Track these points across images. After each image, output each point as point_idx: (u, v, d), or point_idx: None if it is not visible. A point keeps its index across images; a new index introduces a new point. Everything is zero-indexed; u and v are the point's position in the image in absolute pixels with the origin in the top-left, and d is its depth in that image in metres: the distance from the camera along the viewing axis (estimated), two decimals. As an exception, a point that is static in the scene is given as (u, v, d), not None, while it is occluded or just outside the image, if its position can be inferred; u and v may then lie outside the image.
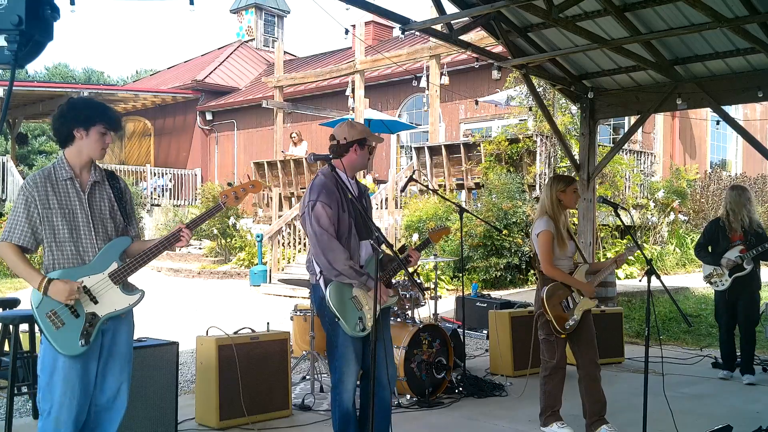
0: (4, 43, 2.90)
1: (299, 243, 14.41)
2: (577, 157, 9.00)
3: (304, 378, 6.34)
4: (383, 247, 3.71)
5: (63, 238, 3.29)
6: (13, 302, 5.42)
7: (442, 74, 14.83)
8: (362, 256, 3.97)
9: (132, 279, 3.44)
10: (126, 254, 3.42)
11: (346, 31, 9.87)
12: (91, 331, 3.27)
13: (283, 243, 14.26)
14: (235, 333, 5.14)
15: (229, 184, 3.74)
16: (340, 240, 3.88)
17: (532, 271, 12.10)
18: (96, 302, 3.30)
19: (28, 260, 3.28)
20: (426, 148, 14.24)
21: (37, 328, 3.37)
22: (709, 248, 6.71)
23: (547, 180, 5.06)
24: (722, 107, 7.84)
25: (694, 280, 11.55)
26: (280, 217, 15.23)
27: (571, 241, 4.94)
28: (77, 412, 3.27)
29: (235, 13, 27.37)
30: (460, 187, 13.85)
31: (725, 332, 6.67)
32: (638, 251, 4.90)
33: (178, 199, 22.20)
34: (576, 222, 9.09)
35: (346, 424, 3.92)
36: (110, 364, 3.41)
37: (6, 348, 4.84)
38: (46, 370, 3.25)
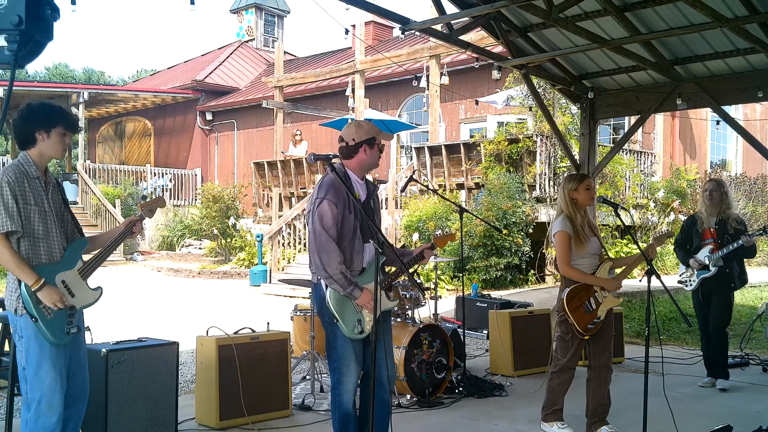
0: (4, 43, 2.91)
1: (299, 243, 14.41)
2: (577, 157, 9.01)
3: (304, 378, 6.34)
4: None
5: (38, 234, 3.47)
6: (13, 302, 5.41)
7: (442, 74, 14.83)
8: (365, 258, 3.95)
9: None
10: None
11: (346, 31, 9.86)
12: (74, 320, 3.54)
13: (283, 243, 14.26)
14: (235, 333, 5.15)
15: (143, 198, 4.07)
16: (344, 240, 3.86)
17: (532, 271, 12.10)
18: (73, 296, 3.55)
19: (21, 256, 3.42)
20: (426, 148, 14.25)
21: (20, 323, 3.45)
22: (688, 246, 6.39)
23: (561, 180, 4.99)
24: (722, 107, 7.84)
25: (694, 280, 11.53)
26: (280, 217, 15.23)
27: (594, 238, 4.82)
28: (63, 396, 3.50)
29: (235, 13, 27.37)
30: (460, 187, 13.85)
31: (703, 335, 6.38)
32: (668, 237, 4.81)
33: (178, 199, 22.19)
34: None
35: (346, 426, 3.91)
36: (80, 355, 3.67)
37: (6, 348, 4.84)
38: (32, 361, 3.43)
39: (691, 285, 6.31)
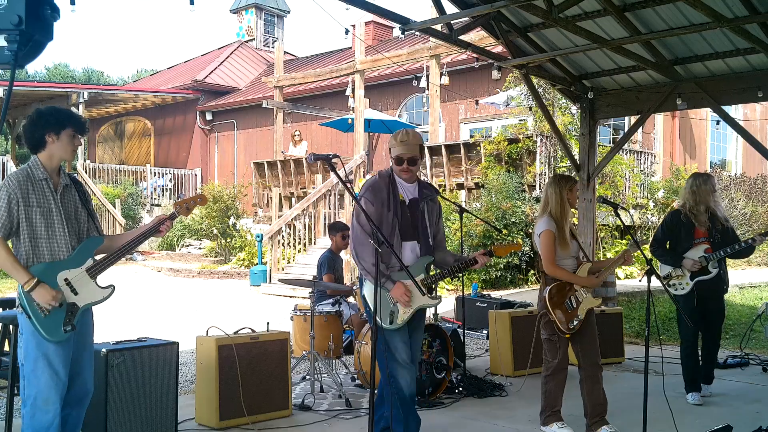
0: (4, 43, 2.92)
1: (299, 243, 14.41)
2: (577, 157, 9.00)
3: (304, 378, 6.34)
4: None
5: (40, 234, 3.55)
6: (14, 302, 5.41)
7: (442, 74, 14.82)
8: (407, 257, 4.16)
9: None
10: (100, 251, 3.74)
11: (346, 31, 9.88)
12: (72, 319, 3.58)
13: (283, 243, 14.25)
14: (235, 333, 5.15)
15: (179, 197, 4.05)
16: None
17: (532, 271, 12.10)
18: (76, 294, 3.60)
19: (15, 256, 3.52)
20: (426, 148, 14.23)
21: (20, 320, 3.58)
22: (668, 245, 5.87)
23: (548, 180, 5.02)
24: (722, 107, 7.84)
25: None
26: (280, 217, 15.22)
27: (574, 240, 4.92)
28: (62, 392, 3.55)
29: (235, 13, 27.36)
30: (460, 187, 13.85)
31: (690, 344, 5.82)
32: (638, 251, 4.80)
33: (178, 199, 22.18)
34: (576, 222, 9.08)
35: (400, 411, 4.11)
36: (84, 356, 3.72)
37: (6, 348, 4.84)
38: (30, 357, 3.51)
39: (683, 289, 5.71)
